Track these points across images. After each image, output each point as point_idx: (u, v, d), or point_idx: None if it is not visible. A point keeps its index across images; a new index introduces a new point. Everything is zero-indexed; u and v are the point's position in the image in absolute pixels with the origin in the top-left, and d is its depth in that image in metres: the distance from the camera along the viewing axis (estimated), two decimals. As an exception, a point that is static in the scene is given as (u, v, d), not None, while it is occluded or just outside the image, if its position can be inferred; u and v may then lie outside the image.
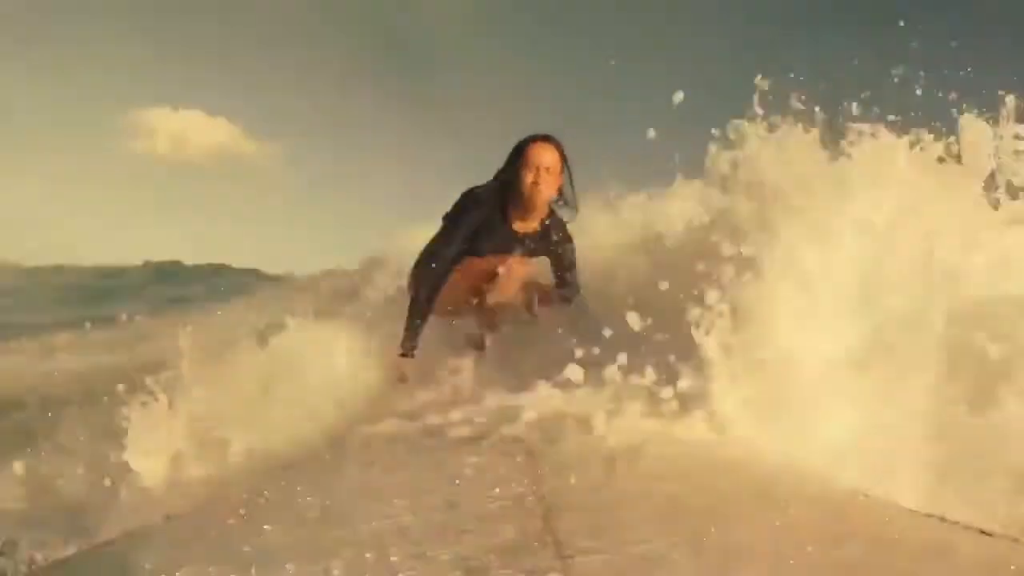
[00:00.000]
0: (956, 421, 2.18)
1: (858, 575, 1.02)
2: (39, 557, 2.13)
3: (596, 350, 2.31)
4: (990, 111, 2.80)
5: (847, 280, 2.40)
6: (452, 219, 3.14)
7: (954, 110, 2.81)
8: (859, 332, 2.31)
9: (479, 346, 3.11)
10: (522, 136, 3.18)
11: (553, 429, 1.90)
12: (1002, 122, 2.80)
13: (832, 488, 1.55)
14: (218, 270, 12.42)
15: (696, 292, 2.25)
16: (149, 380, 2.56)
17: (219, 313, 6.25)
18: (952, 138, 2.79)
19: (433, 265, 3.07)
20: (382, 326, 3.11)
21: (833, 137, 2.80)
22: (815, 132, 2.81)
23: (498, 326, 3.12)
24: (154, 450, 2.42)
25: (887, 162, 2.70)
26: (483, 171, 3.33)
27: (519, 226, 3.16)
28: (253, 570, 1.05)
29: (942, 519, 1.32)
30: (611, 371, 2.24)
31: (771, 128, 2.81)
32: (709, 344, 2.12)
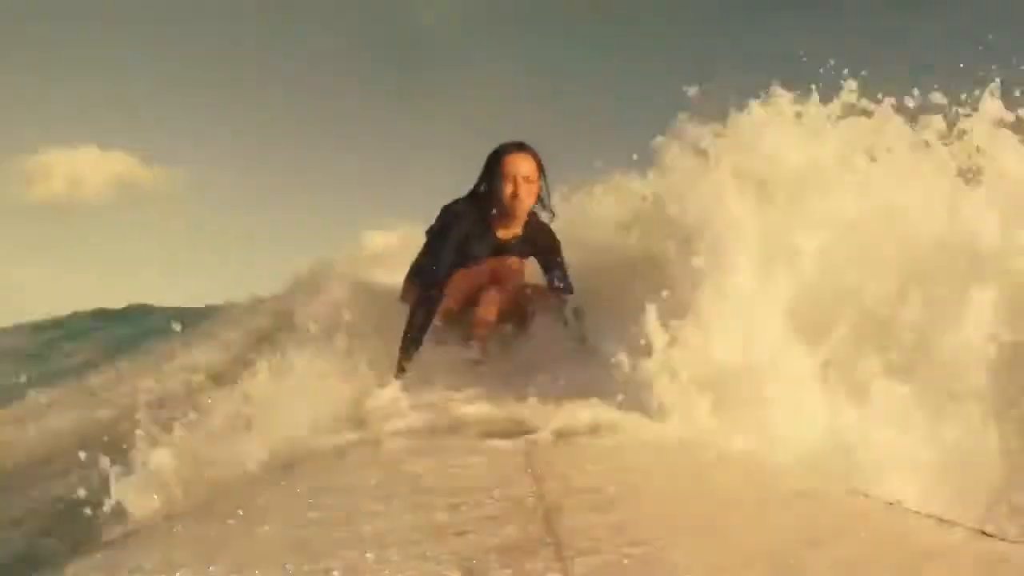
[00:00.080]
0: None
1: (858, 575, 1.02)
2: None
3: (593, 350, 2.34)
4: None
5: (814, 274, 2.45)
6: (437, 235, 3.15)
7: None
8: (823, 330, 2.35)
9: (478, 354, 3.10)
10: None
11: (553, 429, 1.90)
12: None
13: (832, 488, 1.55)
14: (142, 310, 11.47)
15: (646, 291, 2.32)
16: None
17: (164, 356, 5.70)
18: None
19: (426, 283, 3.07)
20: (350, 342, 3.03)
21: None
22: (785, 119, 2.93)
23: (487, 338, 3.11)
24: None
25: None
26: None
27: (502, 233, 3.17)
28: (253, 570, 1.05)
29: (942, 520, 1.32)
30: (609, 371, 2.26)
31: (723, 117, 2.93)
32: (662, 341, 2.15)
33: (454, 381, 2.66)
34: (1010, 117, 2.84)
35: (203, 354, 5.06)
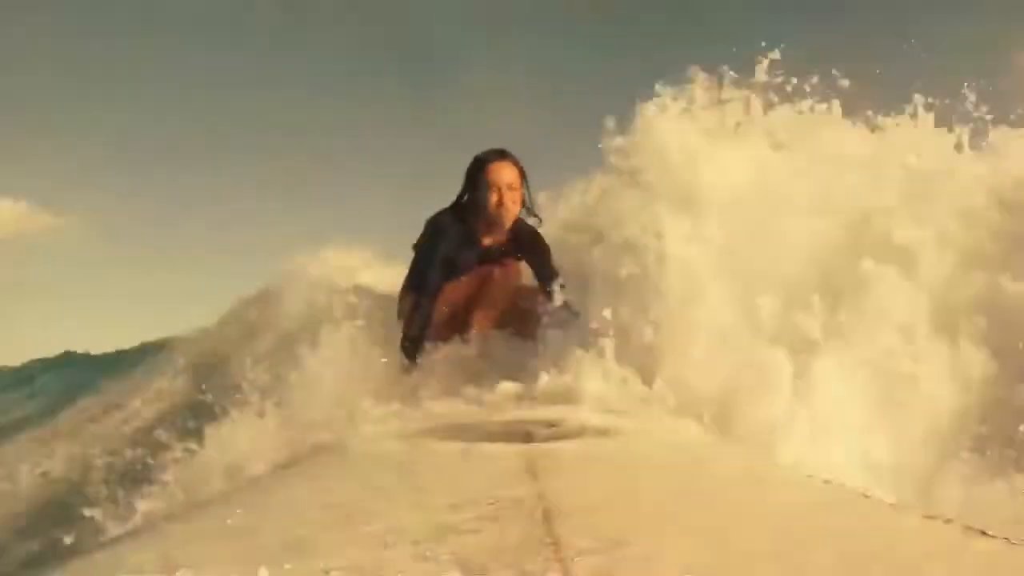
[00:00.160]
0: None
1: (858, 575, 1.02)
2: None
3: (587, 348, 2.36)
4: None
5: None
6: (424, 248, 3.16)
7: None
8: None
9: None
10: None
11: (553, 429, 1.90)
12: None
13: (832, 488, 1.55)
14: (66, 359, 10.90)
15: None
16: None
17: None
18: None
19: (418, 296, 3.07)
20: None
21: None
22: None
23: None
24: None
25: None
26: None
27: (489, 241, 3.18)
28: (253, 570, 1.05)
29: (942, 520, 1.32)
30: (608, 370, 2.27)
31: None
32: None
33: (454, 381, 2.67)
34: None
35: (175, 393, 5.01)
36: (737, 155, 2.91)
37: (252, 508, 1.48)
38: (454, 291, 3.09)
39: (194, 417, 3.17)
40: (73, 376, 8.59)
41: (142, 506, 2.47)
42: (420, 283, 3.11)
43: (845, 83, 3.19)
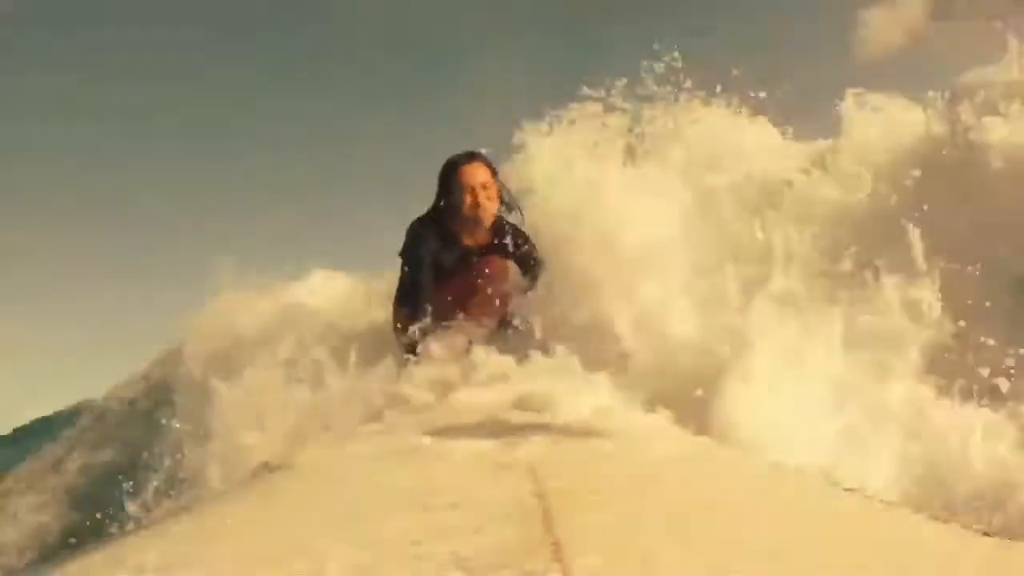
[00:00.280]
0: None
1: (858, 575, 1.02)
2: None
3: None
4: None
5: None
6: (409, 256, 3.18)
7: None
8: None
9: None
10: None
11: (553, 429, 1.90)
12: None
13: (832, 489, 1.55)
14: None
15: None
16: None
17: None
18: None
19: (412, 304, 3.07)
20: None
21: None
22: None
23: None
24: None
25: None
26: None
27: (470, 242, 3.19)
28: (253, 569, 1.06)
29: (942, 520, 1.32)
30: (607, 370, 2.27)
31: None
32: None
33: (453, 381, 2.67)
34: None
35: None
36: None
37: (252, 507, 1.48)
38: (443, 292, 3.10)
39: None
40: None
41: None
42: (410, 288, 3.13)
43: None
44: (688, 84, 3.83)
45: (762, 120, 4.15)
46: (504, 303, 3.12)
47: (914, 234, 2.41)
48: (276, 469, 1.78)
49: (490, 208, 3.15)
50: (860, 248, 2.55)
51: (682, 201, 3.04)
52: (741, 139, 4.02)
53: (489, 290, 3.08)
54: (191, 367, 4.24)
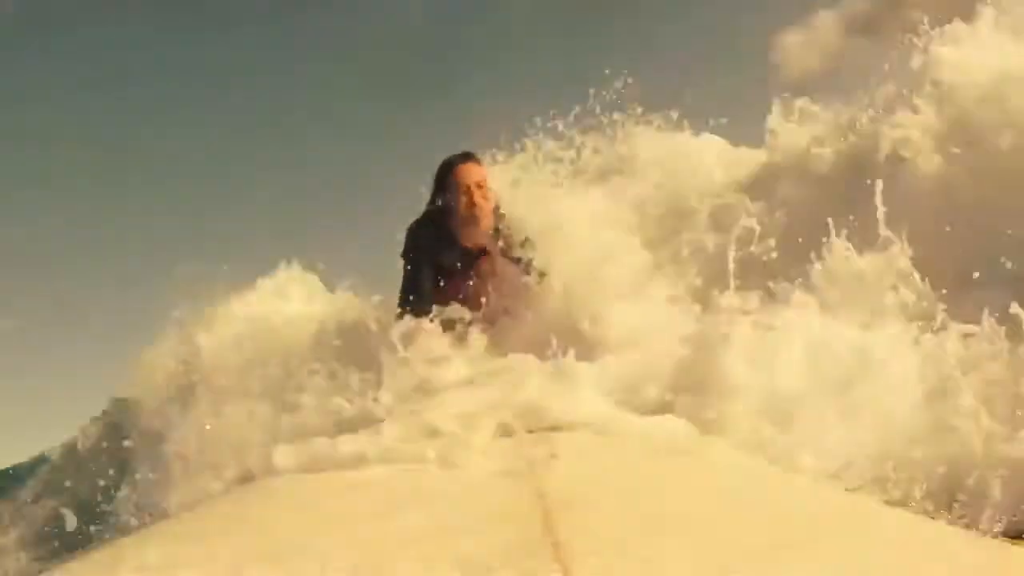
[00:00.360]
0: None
1: (856, 577, 1.02)
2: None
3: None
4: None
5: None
6: (410, 259, 3.18)
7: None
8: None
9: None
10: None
11: (553, 429, 1.91)
12: None
13: (832, 489, 1.56)
14: None
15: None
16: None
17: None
18: None
19: (412, 298, 3.06)
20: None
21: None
22: None
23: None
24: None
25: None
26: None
27: (468, 241, 3.19)
28: (254, 569, 1.06)
29: (941, 521, 1.33)
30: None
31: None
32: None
33: (453, 382, 2.67)
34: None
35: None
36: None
37: (254, 507, 1.48)
38: (442, 298, 3.09)
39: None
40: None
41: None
42: (411, 290, 3.14)
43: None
44: (626, 108, 4.26)
45: (704, 136, 4.59)
46: (504, 302, 3.12)
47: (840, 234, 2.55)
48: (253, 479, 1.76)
49: (485, 207, 3.16)
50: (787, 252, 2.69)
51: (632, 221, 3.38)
52: (685, 154, 4.45)
53: (489, 289, 3.08)
54: (146, 410, 4.25)
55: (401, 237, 3.36)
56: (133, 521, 3.02)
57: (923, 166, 3.33)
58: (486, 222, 3.19)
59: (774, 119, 4.37)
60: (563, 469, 1.54)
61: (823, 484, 1.61)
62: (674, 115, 4.46)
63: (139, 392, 4.86)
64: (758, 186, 4.03)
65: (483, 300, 3.05)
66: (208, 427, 3.00)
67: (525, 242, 3.27)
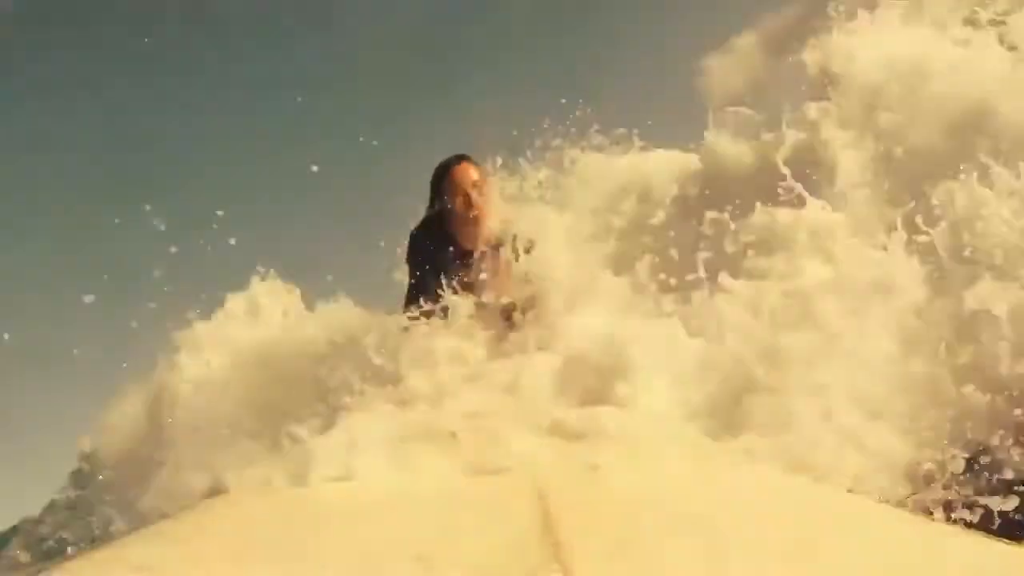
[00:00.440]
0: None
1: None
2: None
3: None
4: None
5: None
6: (411, 258, 3.19)
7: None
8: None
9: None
10: None
11: (553, 429, 1.91)
12: None
13: (831, 490, 1.56)
14: None
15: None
16: None
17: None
18: None
19: (416, 302, 3.06)
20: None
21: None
22: None
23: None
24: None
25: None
26: None
27: (469, 243, 3.19)
28: (254, 569, 1.06)
29: (940, 523, 1.33)
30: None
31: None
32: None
33: (453, 382, 2.67)
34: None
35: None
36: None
37: (255, 508, 1.48)
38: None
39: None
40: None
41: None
42: (414, 294, 3.14)
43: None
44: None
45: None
46: (506, 303, 3.12)
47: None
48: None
49: (484, 208, 3.16)
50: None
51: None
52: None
53: (491, 291, 3.08)
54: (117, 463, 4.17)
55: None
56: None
57: (827, 150, 3.65)
58: (485, 222, 3.19)
59: (709, 132, 4.61)
60: (564, 470, 1.54)
61: (823, 485, 1.61)
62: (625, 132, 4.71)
63: (111, 443, 4.66)
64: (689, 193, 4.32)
65: (484, 299, 3.06)
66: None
67: (530, 246, 3.28)
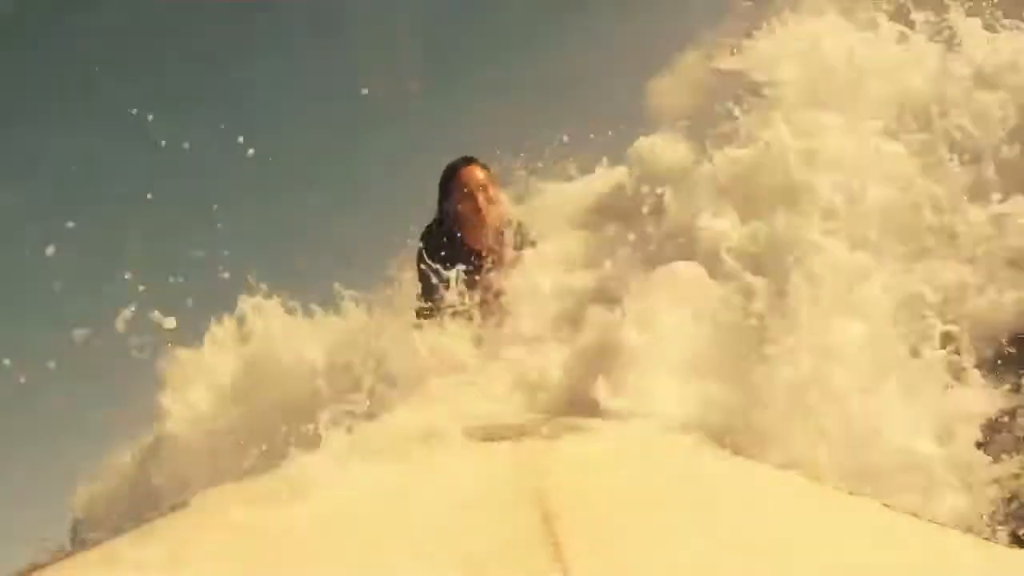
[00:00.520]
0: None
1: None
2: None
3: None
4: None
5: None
6: (420, 262, 3.21)
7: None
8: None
9: None
10: None
11: (553, 429, 1.91)
12: None
13: (830, 489, 1.56)
14: None
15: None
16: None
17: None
18: None
19: (428, 302, 3.08)
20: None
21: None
22: None
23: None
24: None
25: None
26: None
27: (477, 245, 3.21)
28: (254, 569, 1.06)
29: (939, 525, 1.33)
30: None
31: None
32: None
33: (452, 382, 2.67)
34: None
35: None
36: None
37: (256, 507, 1.48)
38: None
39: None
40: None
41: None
42: (427, 291, 3.15)
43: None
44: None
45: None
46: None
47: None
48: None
49: (491, 209, 3.18)
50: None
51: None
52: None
53: (500, 294, 3.10)
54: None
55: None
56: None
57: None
58: (493, 224, 3.21)
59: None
60: (564, 469, 1.54)
61: (823, 485, 1.61)
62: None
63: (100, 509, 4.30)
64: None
65: (490, 305, 3.07)
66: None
67: (534, 239, 3.31)
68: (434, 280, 3.07)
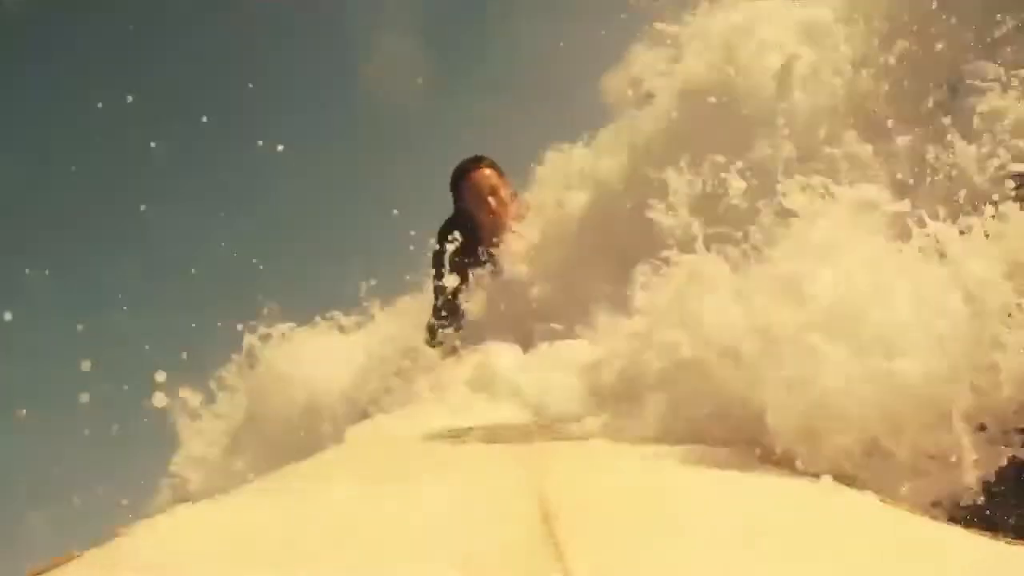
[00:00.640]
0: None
1: (855, 577, 1.02)
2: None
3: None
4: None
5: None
6: (435, 263, 3.22)
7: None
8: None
9: None
10: None
11: (553, 429, 1.91)
12: None
13: (832, 492, 1.55)
14: None
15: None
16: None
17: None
18: None
19: (440, 308, 3.08)
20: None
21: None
22: None
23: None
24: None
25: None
26: None
27: (493, 245, 3.21)
28: (254, 568, 1.06)
29: (940, 521, 1.33)
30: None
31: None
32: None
33: (452, 382, 2.67)
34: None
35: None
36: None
37: (252, 506, 1.48)
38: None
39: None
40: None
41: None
42: (444, 303, 3.16)
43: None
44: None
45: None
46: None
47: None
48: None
49: (503, 211, 3.18)
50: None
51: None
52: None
53: (513, 267, 3.12)
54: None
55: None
56: None
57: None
58: (505, 224, 3.21)
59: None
60: (564, 469, 1.54)
61: (823, 485, 1.60)
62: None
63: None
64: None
65: (508, 276, 3.09)
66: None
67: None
68: (448, 288, 3.07)
